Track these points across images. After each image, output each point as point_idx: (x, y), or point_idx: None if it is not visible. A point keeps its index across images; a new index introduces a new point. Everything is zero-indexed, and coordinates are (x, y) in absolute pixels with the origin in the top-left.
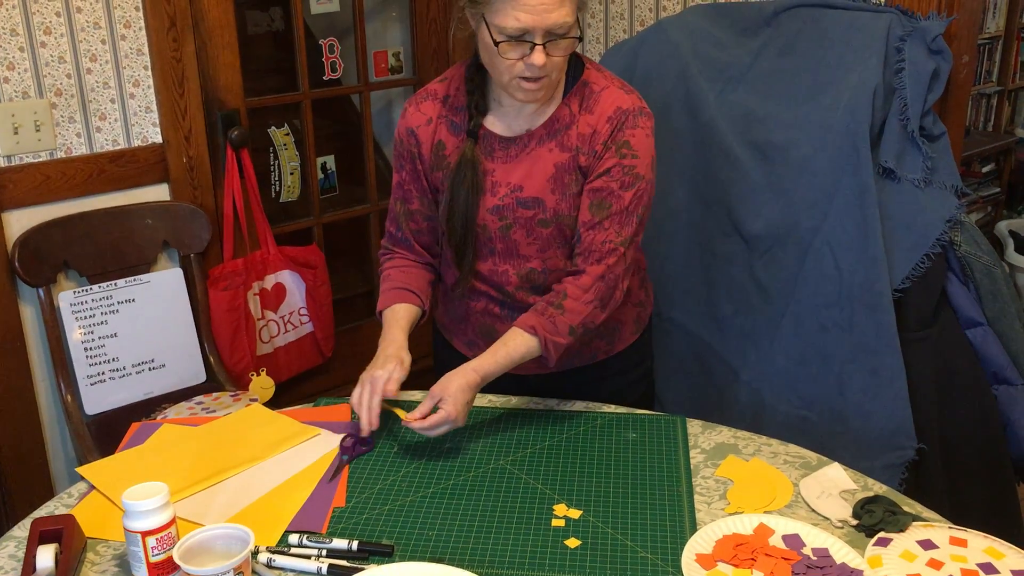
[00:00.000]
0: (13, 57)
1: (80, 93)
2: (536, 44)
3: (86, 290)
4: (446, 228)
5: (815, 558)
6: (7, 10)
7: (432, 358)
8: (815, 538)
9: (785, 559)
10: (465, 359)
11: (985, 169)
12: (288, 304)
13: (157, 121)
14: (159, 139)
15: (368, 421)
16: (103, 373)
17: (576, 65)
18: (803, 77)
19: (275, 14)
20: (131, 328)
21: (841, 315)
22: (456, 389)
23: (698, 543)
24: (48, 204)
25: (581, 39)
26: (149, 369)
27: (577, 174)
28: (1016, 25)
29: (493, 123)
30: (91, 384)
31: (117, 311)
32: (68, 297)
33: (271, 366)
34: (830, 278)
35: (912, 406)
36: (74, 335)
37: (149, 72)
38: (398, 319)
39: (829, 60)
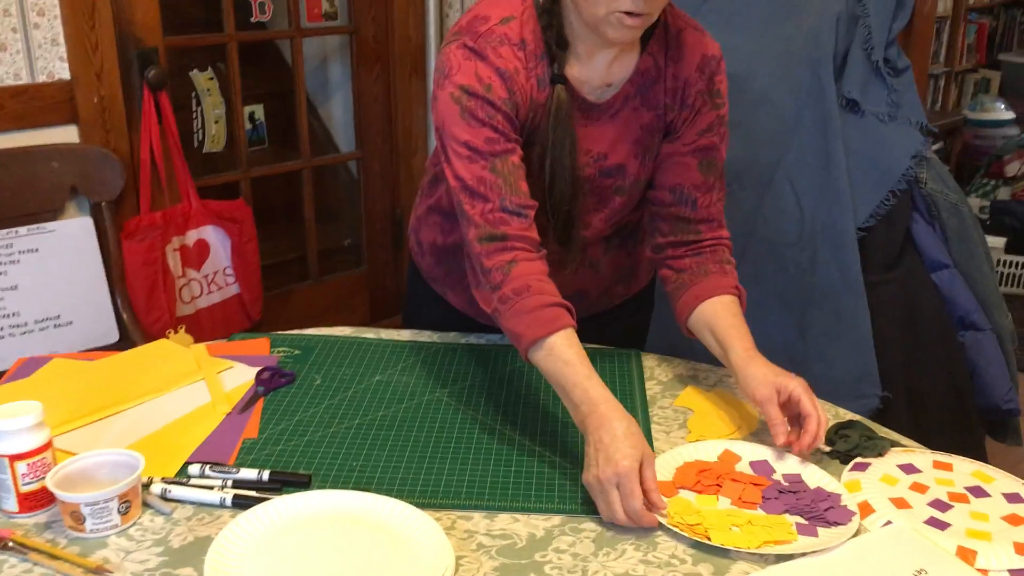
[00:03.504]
0: None
1: None
2: None
3: None
4: (548, 199)
5: (787, 483)
6: None
7: (408, 304)
8: (786, 464)
9: (755, 484)
10: (460, 315)
11: (934, 148)
12: (212, 263)
13: (64, 55)
14: (67, 75)
15: (649, 523)
16: (2, 329)
17: None
18: (761, 8)
19: None
20: (34, 281)
21: (802, 255)
22: (773, 371)
23: (658, 471)
24: None
25: None
26: (54, 326)
27: (660, 134)
28: (963, 7)
29: (573, 76)
30: None
31: (18, 262)
32: None
33: (193, 328)
34: (791, 215)
35: (877, 353)
36: None
37: (56, 1)
38: (583, 358)
39: None
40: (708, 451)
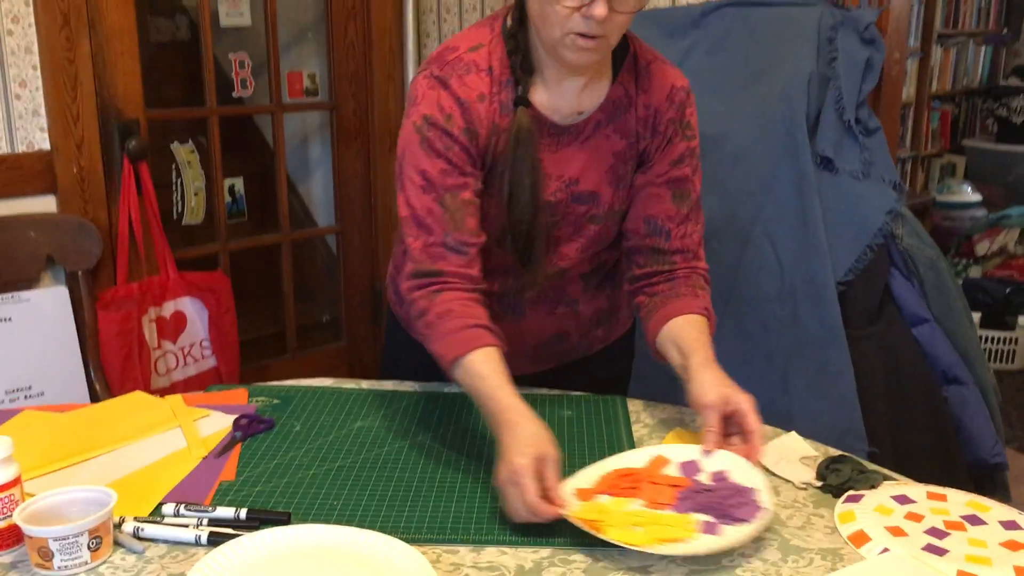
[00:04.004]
0: None
1: None
2: None
3: None
4: (508, 221)
5: (709, 483)
6: None
7: (386, 354)
8: (715, 462)
9: (673, 486)
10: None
11: None
12: (189, 334)
13: (45, 126)
14: (47, 146)
15: (548, 515)
16: None
17: (623, 39)
18: (735, 71)
19: (181, 22)
20: (7, 350)
21: (783, 309)
22: (725, 383)
23: (580, 479)
24: None
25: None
26: (25, 397)
27: (633, 163)
28: (926, 94)
29: (542, 102)
30: None
31: None
32: None
33: None
34: (770, 271)
35: (862, 408)
36: None
37: (38, 72)
38: (500, 372)
39: (761, 53)
40: (640, 457)
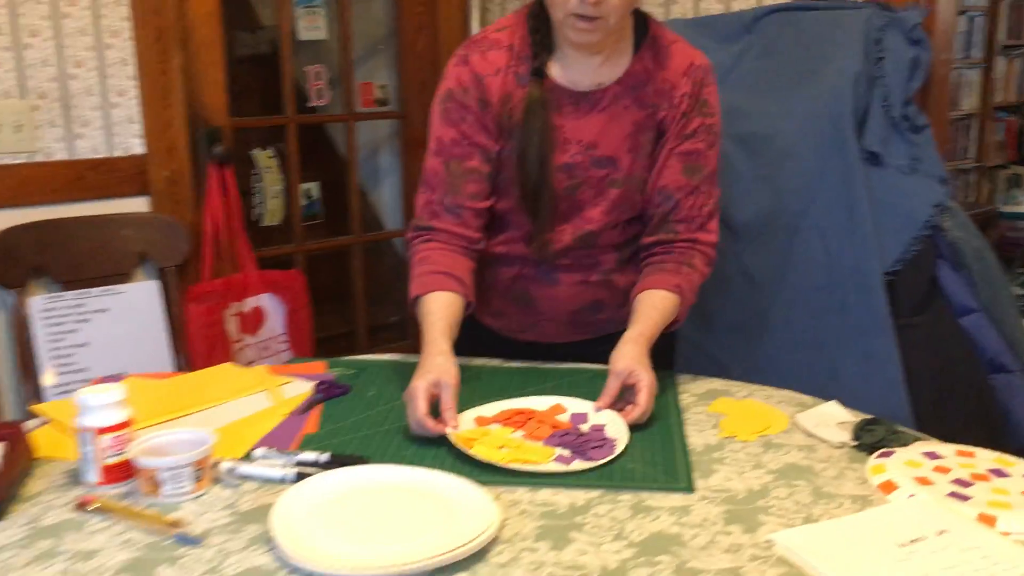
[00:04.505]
0: None
1: (64, 98)
2: None
3: (58, 296)
4: (518, 183)
5: (586, 431)
6: None
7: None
8: (599, 417)
9: (553, 427)
10: (489, 333)
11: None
12: (267, 329)
13: (140, 132)
14: (141, 150)
15: (432, 430)
16: (71, 384)
17: (642, 21)
18: (785, 72)
19: (263, 37)
20: (103, 339)
21: (832, 299)
22: (640, 359)
23: (482, 411)
24: (24, 207)
25: None
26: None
27: (653, 132)
28: (990, 105)
29: (560, 75)
30: (58, 394)
31: (89, 320)
32: (39, 302)
33: None
34: (819, 262)
35: (909, 395)
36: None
37: (134, 83)
38: (440, 313)
39: (810, 55)
40: (541, 403)
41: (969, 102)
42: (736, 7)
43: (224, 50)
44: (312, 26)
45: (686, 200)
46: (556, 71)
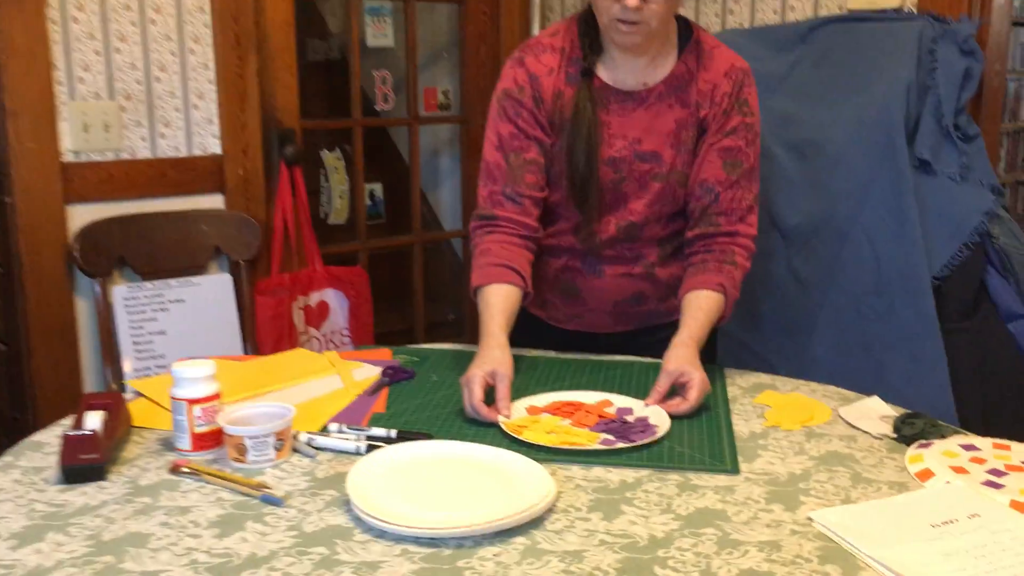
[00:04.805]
0: (89, 60)
1: (148, 100)
2: None
3: (139, 286)
4: (567, 176)
5: (631, 420)
6: (87, 15)
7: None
8: (646, 411)
9: (600, 416)
10: (536, 320)
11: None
12: (331, 323)
13: (217, 133)
14: (218, 150)
15: (486, 416)
16: (149, 368)
17: (687, 26)
18: (838, 81)
19: (333, 43)
20: (179, 327)
21: (880, 302)
22: (691, 360)
23: (534, 401)
24: (110, 202)
25: None
26: None
27: (695, 130)
28: None
29: (607, 76)
30: (137, 378)
31: (167, 309)
32: (122, 291)
33: None
34: (868, 266)
35: (956, 398)
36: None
37: (213, 86)
38: (500, 306)
39: (863, 64)
40: (590, 397)
41: None
42: (791, 18)
43: (296, 56)
44: (380, 34)
45: (726, 193)
46: (604, 72)
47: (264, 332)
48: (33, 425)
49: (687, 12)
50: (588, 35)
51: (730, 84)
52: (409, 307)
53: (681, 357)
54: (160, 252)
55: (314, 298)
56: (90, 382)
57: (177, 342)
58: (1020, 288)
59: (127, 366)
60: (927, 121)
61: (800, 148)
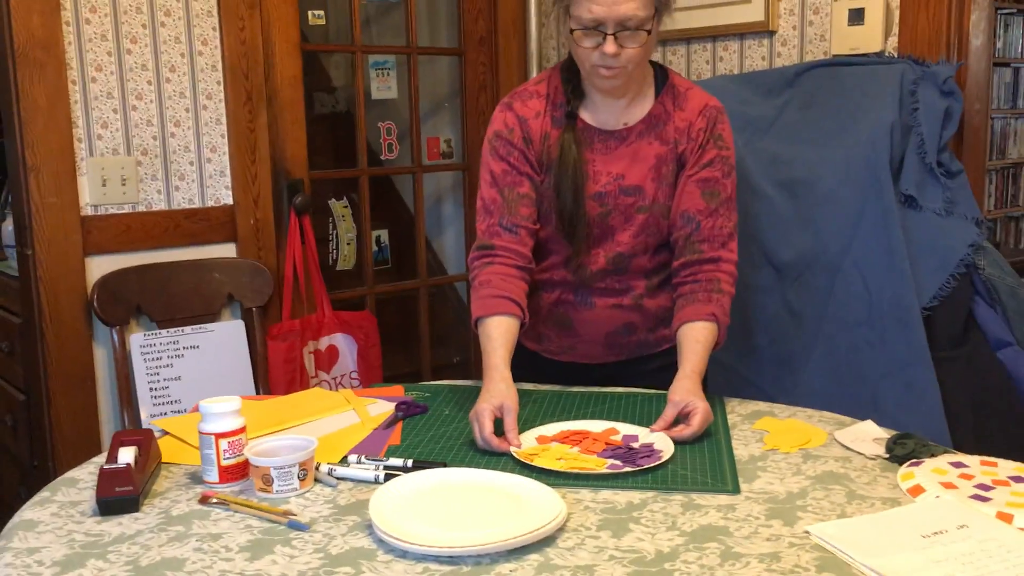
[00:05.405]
0: (107, 117)
1: (163, 154)
2: (608, 34)
3: (155, 334)
4: (556, 212)
5: (637, 447)
6: (106, 75)
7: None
8: (649, 438)
9: (607, 443)
10: (531, 354)
11: None
12: (340, 366)
13: (229, 184)
14: (230, 201)
15: (497, 447)
16: (165, 413)
17: (662, 72)
18: (825, 123)
19: (339, 97)
20: (194, 373)
21: (872, 333)
22: (695, 392)
23: (544, 431)
24: (127, 252)
25: (650, 33)
26: None
27: (674, 164)
28: None
29: (590, 117)
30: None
31: (182, 356)
32: (139, 339)
33: None
34: (859, 298)
35: (949, 425)
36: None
37: (225, 140)
38: (500, 340)
39: (848, 106)
40: (597, 425)
41: (1018, 150)
42: (778, 64)
43: (304, 110)
44: (384, 86)
45: (706, 221)
46: (586, 114)
47: (276, 376)
48: (53, 472)
49: (681, 59)
50: (571, 82)
51: (705, 121)
52: (416, 350)
53: (686, 389)
54: (175, 300)
55: (324, 342)
56: (107, 428)
57: (192, 387)
58: (1007, 316)
59: (143, 413)
60: (911, 159)
61: (790, 187)
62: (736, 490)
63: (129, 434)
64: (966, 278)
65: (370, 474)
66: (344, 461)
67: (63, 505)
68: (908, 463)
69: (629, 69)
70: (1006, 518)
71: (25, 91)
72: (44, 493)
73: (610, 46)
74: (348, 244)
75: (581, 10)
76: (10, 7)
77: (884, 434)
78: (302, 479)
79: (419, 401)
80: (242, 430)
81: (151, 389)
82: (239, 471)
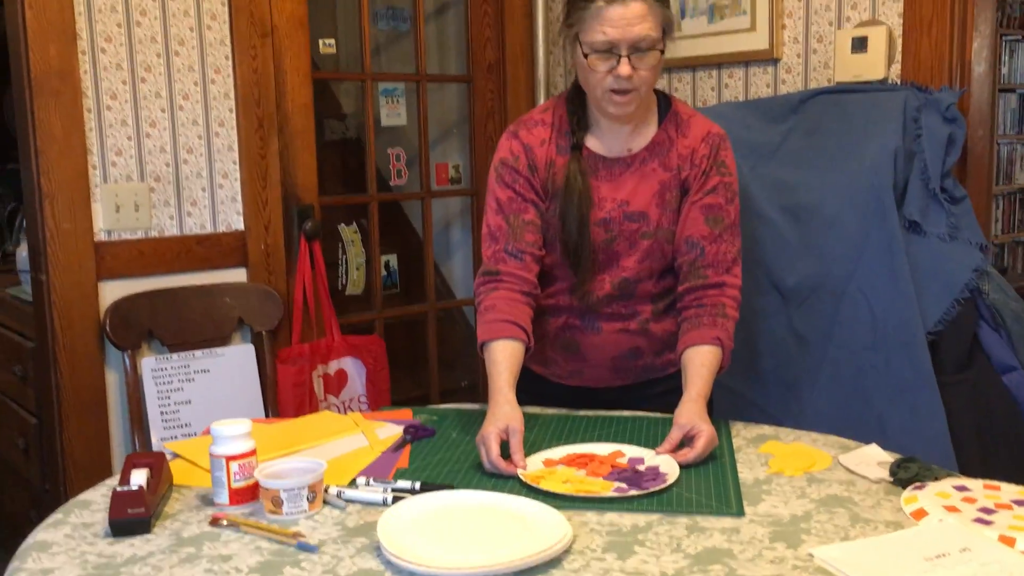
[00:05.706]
0: (122, 145)
1: (176, 180)
2: (622, 56)
3: (167, 358)
4: (561, 239)
5: (643, 469)
6: (120, 104)
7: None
8: (655, 460)
9: (612, 466)
10: (538, 378)
11: None
12: (349, 390)
13: (240, 210)
14: (241, 226)
15: (504, 470)
16: (175, 437)
17: (665, 99)
18: (828, 149)
19: (350, 123)
20: (204, 396)
21: (877, 357)
22: (701, 415)
23: (550, 454)
24: (139, 277)
25: (662, 52)
26: None
27: (678, 191)
28: None
29: (595, 145)
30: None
31: (193, 380)
32: (150, 363)
33: None
34: (864, 323)
35: (955, 448)
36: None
37: (237, 166)
38: (506, 363)
39: (852, 133)
40: (603, 448)
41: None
42: (783, 91)
43: (315, 136)
44: (393, 113)
45: (711, 247)
46: (591, 142)
47: (285, 400)
48: (64, 495)
49: (687, 86)
50: (576, 113)
51: (708, 147)
52: (424, 374)
53: (692, 412)
54: (186, 324)
55: (333, 366)
56: (118, 452)
57: (203, 411)
58: (1012, 341)
59: (154, 436)
60: (915, 184)
61: (795, 212)
62: (740, 513)
63: (141, 456)
64: (971, 303)
65: (378, 496)
66: (353, 483)
67: (76, 527)
68: (912, 487)
69: (642, 92)
70: (1008, 541)
71: (41, 119)
72: (57, 515)
73: (624, 67)
74: (357, 269)
75: (594, 34)
76: (27, 37)
77: (888, 458)
78: (311, 501)
79: (427, 424)
80: (252, 453)
81: (162, 413)
82: (249, 493)
